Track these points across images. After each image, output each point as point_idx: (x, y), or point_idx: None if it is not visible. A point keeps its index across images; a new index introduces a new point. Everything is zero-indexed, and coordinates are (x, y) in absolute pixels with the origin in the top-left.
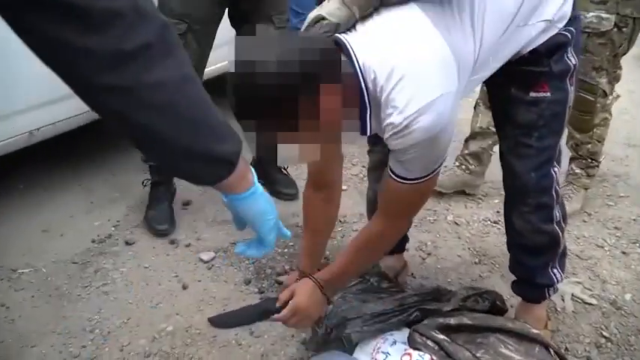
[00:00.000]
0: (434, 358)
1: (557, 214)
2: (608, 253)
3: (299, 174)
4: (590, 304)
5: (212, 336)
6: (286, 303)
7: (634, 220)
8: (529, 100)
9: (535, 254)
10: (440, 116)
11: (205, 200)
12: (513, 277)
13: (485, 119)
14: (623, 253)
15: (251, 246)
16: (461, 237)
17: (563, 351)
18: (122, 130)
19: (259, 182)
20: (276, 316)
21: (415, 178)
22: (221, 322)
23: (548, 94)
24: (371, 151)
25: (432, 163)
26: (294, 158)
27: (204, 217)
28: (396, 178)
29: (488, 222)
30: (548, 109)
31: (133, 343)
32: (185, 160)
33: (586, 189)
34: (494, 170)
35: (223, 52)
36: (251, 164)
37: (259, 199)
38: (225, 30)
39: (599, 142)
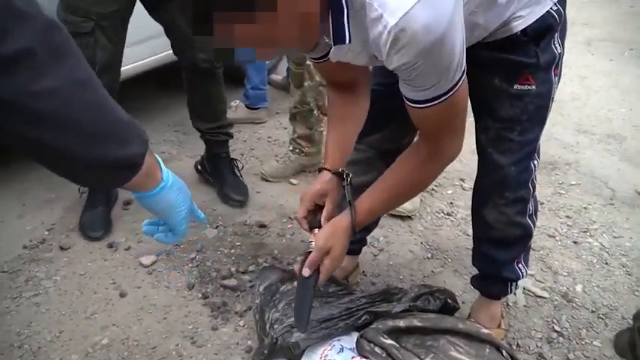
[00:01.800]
0: None
1: (531, 207)
2: (559, 243)
3: (250, 168)
4: (541, 297)
5: (151, 347)
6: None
7: (585, 208)
8: (513, 94)
9: (505, 248)
10: (439, 10)
11: None
12: (466, 272)
13: (297, 98)
14: (575, 242)
15: (160, 230)
16: (413, 231)
17: (514, 347)
18: (13, 144)
19: (207, 177)
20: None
21: (438, 96)
22: (303, 323)
23: (533, 86)
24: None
25: (449, 72)
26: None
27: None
28: (415, 105)
29: (442, 214)
30: (532, 102)
31: (64, 359)
32: (85, 170)
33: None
34: None
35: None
36: (201, 162)
37: (169, 194)
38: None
39: None
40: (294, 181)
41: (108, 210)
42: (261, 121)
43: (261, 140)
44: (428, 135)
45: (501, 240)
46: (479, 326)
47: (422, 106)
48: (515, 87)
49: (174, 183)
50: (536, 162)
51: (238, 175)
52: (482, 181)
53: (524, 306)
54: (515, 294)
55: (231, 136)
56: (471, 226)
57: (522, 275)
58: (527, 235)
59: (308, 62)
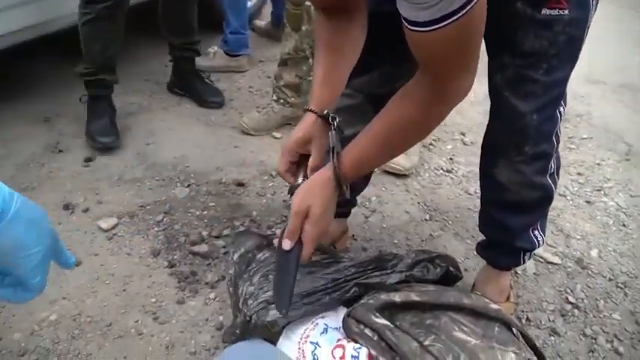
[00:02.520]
0: (372, 352)
1: (553, 165)
2: (571, 203)
3: (228, 120)
4: (553, 263)
5: (106, 325)
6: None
7: (598, 164)
8: (540, 20)
9: (520, 212)
10: None
11: (111, 155)
12: (468, 236)
13: (292, 43)
14: (588, 202)
15: (5, 283)
16: (409, 190)
17: (524, 322)
18: None
19: (181, 93)
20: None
21: (447, 15)
22: (284, 305)
23: (566, 11)
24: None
25: None
26: None
27: (108, 175)
28: (417, 28)
29: (441, 171)
30: (564, 33)
31: (5, 338)
32: None
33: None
34: None
35: None
36: (172, 82)
37: (10, 229)
38: None
39: None
40: (276, 134)
41: (113, 119)
42: (242, 69)
43: (242, 90)
44: (431, 67)
45: (516, 203)
46: (486, 301)
47: (426, 29)
48: (542, 12)
49: (22, 212)
50: (562, 109)
51: (210, 82)
52: (495, 133)
53: (534, 274)
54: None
55: (199, 53)
56: (472, 184)
57: (538, 244)
58: (548, 197)
59: (308, 2)
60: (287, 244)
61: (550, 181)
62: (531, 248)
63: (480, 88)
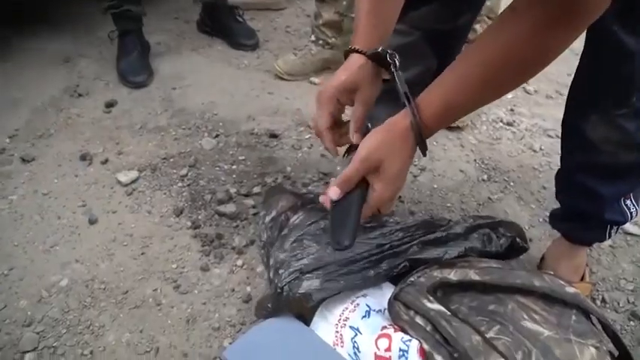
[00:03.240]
0: (425, 345)
1: None
2: None
3: (262, 63)
4: (632, 234)
5: (121, 293)
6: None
7: None
8: None
9: (613, 178)
10: None
11: (134, 101)
12: (533, 200)
13: None
14: None
15: None
16: (464, 145)
17: (599, 304)
18: None
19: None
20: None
21: None
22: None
23: None
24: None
25: None
26: None
27: (130, 123)
28: None
29: (500, 123)
30: None
31: (10, 306)
32: None
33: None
34: None
35: None
36: (202, 21)
37: None
38: None
39: (489, 18)
40: (315, 79)
41: (145, 55)
42: (279, 6)
43: (278, 30)
44: None
45: (610, 167)
46: (562, 283)
47: None
48: None
49: None
50: None
51: (242, 21)
52: (590, 80)
53: (610, 247)
54: None
55: None
56: (537, 139)
57: (631, 216)
58: None
59: None
60: (335, 193)
61: None
62: (623, 221)
63: None
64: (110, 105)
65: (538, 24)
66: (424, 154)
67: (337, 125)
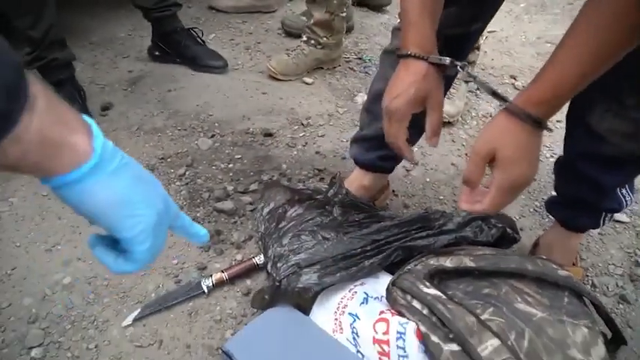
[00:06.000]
0: (422, 327)
1: None
2: None
3: (256, 64)
4: (620, 222)
5: (124, 289)
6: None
7: None
8: None
9: (616, 168)
10: None
11: (130, 103)
12: (523, 192)
13: None
14: None
15: (109, 249)
16: (455, 139)
17: (589, 288)
18: None
19: (172, 58)
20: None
21: None
22: None
23: None
24: (398, 28)
25: None
26: None
27: (127, 125)
28: None
29: (489, 118)
30: None
31: (14, 304)
32: None
33: (467, 82)
34: (496, 46)
35: None
36: (154, 46)
37: (113, 181)
38: None
39: None
40: (308, 79)
41: (84, 103)
42: (271, 9)
43: (270, 32)
44: None
45: (613, 158)
46: (554, 266)
47: None
48: None
49: (128, 168)
50: None
51: (203, 43)
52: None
53: (599, 234)
54: None
55: (180, 5)
56: None
57: (626, 204)
58: None
59: None
60: (466, 201)
61: None
62: (618, 209)
63: (531, 29)
64: (106, 108)
65: None
66: (547, 129)
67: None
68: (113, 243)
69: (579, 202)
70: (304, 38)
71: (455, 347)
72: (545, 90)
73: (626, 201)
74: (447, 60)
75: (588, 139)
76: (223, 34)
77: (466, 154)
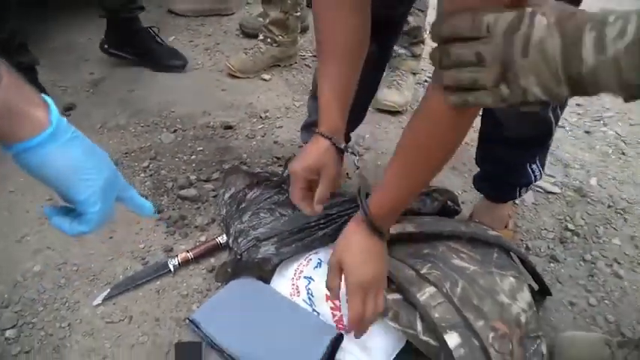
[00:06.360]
0: None
1: None
2: (570, 133)
3: (215, 64)
4: (552, 193)
5: (93, 273)
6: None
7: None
8: None
9: (517, 147)
10: None
11: (92, 104)
12: (466, 170)
13: None
14: (587, 132)
15: (62, 213)
16: (404, 127)
17: (523, 250)
18: None
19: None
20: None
21: None
22: None
23: None
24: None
25: None
26: None
27: (90, 123)
28: None
29: None
30: None
31: None
32: None
33: (414, 74)
34: None
35: None
36: (108, 42)
37: (68, 150)
38: None
39: (421, 11)
40: (265, 76)
41: None
42: (229, 12)
43: (228, 34)
44: None
45: (515, 140)
46: (485, 228)
47: None
48: None
49: (80, 140)
50: None
51: (162, 42)
52: None
53: (534, 204)
54: None
55: (143, 8)
56: None
57: (536, 178)
58: (548, 132)
59: None
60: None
61: (552, 116)
62: (527, 183)
63: None
64: (69, 108)
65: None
66: (386, 237)
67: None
68: (67, 212)
69: (495, 177)
70: (261, 37)
71: (397, 296)
72: (382, 206)
73: (535, 176)
74: (342, 145)
75: (492, 123)
76: (183, 36)
77: None
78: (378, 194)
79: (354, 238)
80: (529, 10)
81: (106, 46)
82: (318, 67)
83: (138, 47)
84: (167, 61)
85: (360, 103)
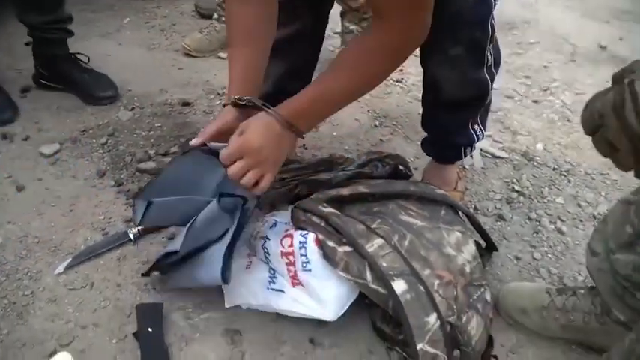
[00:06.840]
0: (319, 236)
1: (489, 57)
2: (518, 103)
3: (171, 44)
4: (500, 157)
5: (55, 244)
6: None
7: (544, 67)
8: None
9: (456, 110)
10: None
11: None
12: (418, 138)
13: None
14: (534, 101)
15: None
16: (359, 99)
17: (472, 211)
18: None
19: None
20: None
21: None
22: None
23: None
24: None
25: None
26: None
27: (47, 104)
28: None
29: (391, 81)
30: None
31: None
32: None
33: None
34: None
35: None
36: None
37: None
38: None
39: None
40: (222, 54)
41: (3, 92)
42: None
43: (184, 15)
44: (387, 9)
45: (451, 102)
46: (433, 187)
47: None
48: None
49: None
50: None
51: (91, 69)
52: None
53: (482, 168)
54: (471, 156)
55: (71, 33)
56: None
57: (478, 139)
58: (483, 93)
59: None
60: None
61: (487, 75)
62: (470, 143)
63: None
64: (26, 90)
65: (387, 37)
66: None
67: None
68: None
69: (440, 140)
70: (216, 16)
71: (347, 248)
72: (297, 107)
73: (477, 135)
74: (244, 99)
75: (432, 88)
76: (138, 17)
77: (368, 111)
78: (300, 101)
79: (268, 119)
80: (626, 80)
81: (40, 80)
82: (228, 52)
83: (63, 78)
84: (96, 92)
85: (301, 77)
